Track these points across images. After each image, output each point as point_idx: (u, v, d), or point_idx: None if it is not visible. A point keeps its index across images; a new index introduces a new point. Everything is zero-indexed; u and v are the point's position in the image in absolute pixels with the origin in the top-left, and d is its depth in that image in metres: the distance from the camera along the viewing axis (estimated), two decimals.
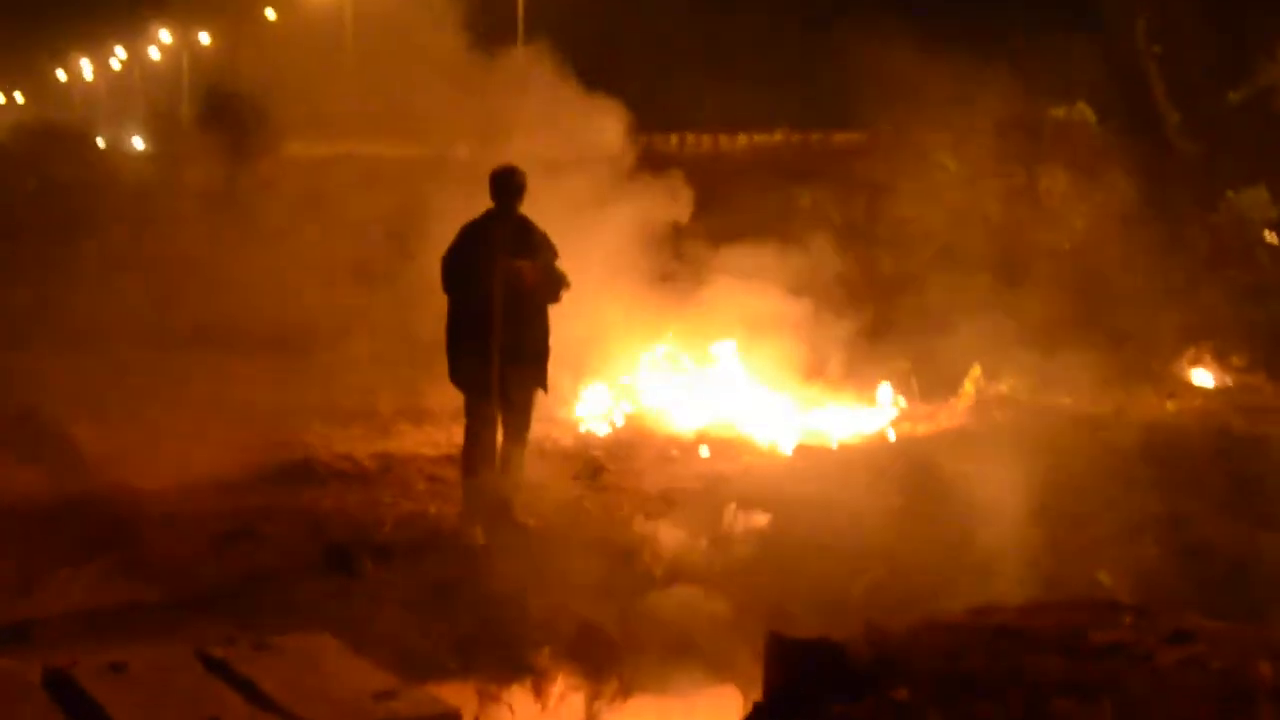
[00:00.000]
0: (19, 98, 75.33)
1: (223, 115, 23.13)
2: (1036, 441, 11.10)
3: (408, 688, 5.99)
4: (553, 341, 9.45)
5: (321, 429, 12.68)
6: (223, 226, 18.03)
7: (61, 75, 70.20)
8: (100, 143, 28.82)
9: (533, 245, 9.20)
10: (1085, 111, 23.22)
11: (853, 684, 5.89)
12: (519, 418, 9.30)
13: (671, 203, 13.80)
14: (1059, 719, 5.16)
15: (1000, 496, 9.93)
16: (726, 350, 13.02)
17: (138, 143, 31.09)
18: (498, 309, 8.95)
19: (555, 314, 11.10)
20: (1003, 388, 12.61)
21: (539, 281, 9.13)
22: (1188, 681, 5.33)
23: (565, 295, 9.33)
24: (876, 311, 14.98)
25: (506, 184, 9.21)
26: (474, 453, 9.21)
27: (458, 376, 9.24)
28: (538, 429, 12.26)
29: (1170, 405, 13.33)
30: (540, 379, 9.27)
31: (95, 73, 64.78)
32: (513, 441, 9.34)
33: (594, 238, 12.91)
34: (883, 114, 21.12)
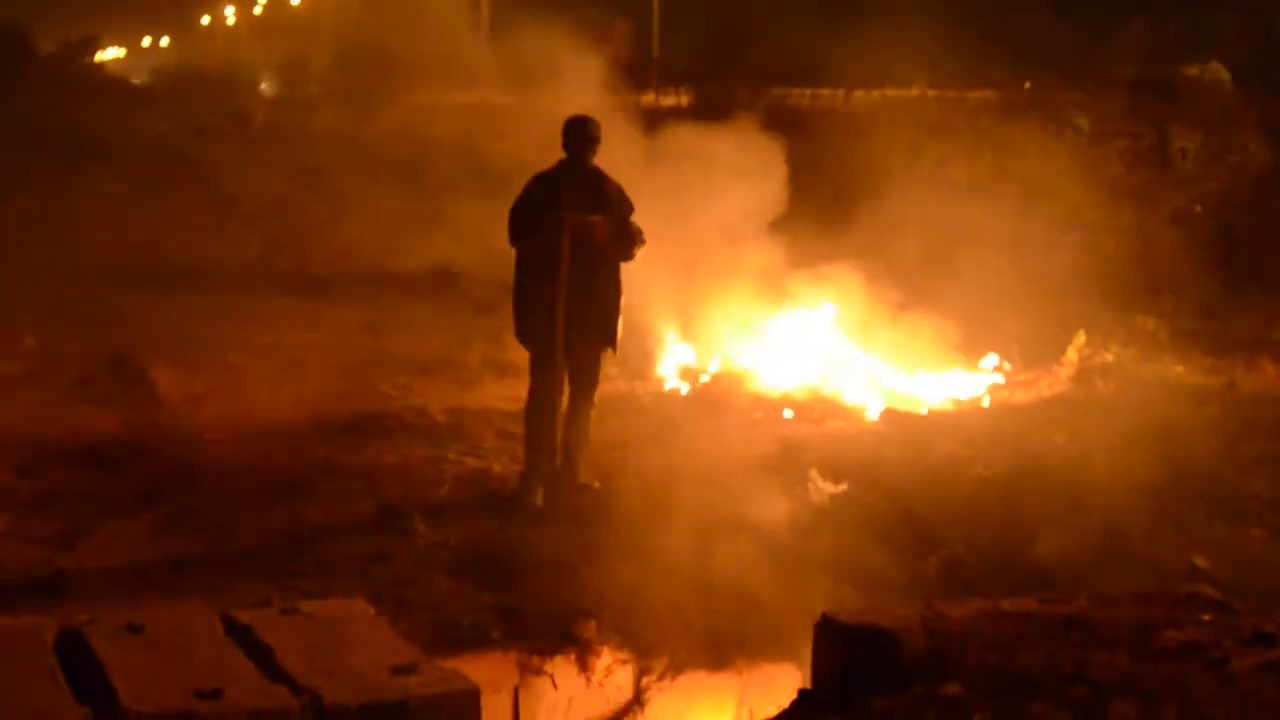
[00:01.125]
0: (164, 41, 76.57)
1: (354, 62, 23.19)
2: (1138, 413, 10.56)
3: (429, 662, 5.75)
4: (627, 299, 9.12)
5: (405, 379, 12.53)
6: (340, 173, 17.95)
7: (205, 20, 71.06)
8: (263, 87, 28.71)
9: (605, 199, 8.83)
10: (1219, 70, 22.45)
11: (904, 674, 5.51)
12: (585, 376, 8.98)
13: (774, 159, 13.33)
14: None
15: (1093, 471, 9.44)
16: (822, 311, 12.54)
17: (264, 88, 31.17)
18: (564, 264, 8.61)
19: (648, 270, 10.80)
20: (1108, 356, 11.99)
21: (610, 237, 8.76)
22: (1262, 690, 4.87)
23: (640, 252, 8.95)
24: (993, 273, 14.39)
25: (580, 134, 8.86)
26: (537, 411, 8.91)
27: (523, 332, 8.94)
28: (619, 387, 12.06)
29: None
30: (608, 338, 8.93)
31: (238, 16, 65.34)
32: (578, 401, 9.03)
33: (696, 193, 12.59)
34: (1019, 71, 20.64)
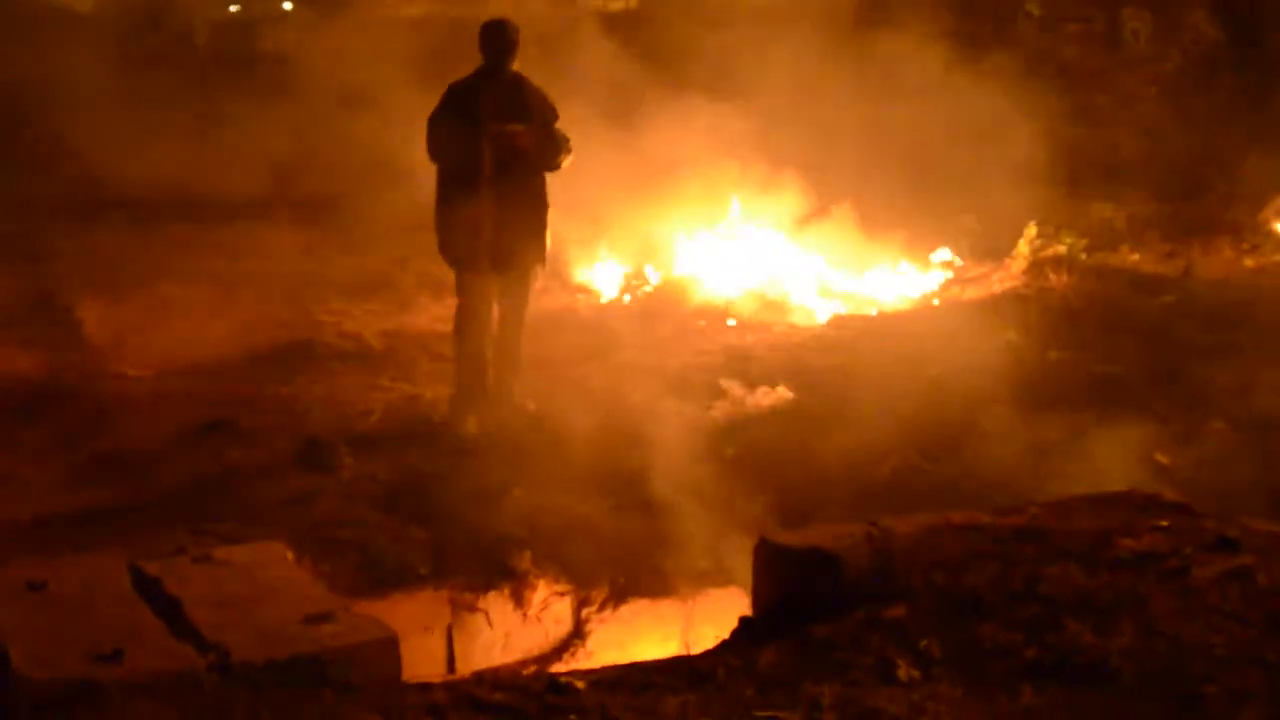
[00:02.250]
0: None
1: None
2: (1093, 305, 10.30)
3: (346, 609, 5.45)
4: (565, 209, 8.75)
5: (339, 304, 12.12)
6: (282, 94, 17.41)
7: None
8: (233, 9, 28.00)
9: (527, 107, 8.42)
10: None
11: (847, 597, 5.23)
12: (515, 294, 8.63)
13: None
14: (1068, 645, 4.47)
15: (1045, 368, 9.19)
16: (766, 214, 12.17)
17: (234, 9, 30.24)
18: (486, 176, 8.21)
19: (592, 175, 10.39)
20: (1060, 247, 11.68)
21: (533, 146, 8.35)
22: (1225, 602, 4.61)
23: (566, 161, 8.54)
24: (941, 165, 14.03)
25: (498, 37, 8.43)
26: (465, 333, 8.56)
27: (446, 250, 8.56)
28: (557, 300, 11.70)
29: (1249, 262, 12.34)
30: (538, 252, 8.54)
31: None
32: (509, 319, 8.67)
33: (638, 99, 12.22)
34: None
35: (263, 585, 5.72)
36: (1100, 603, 4.71)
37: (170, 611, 5.48)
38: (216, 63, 21.68)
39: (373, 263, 13.44)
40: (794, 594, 5.47)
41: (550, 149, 8.45)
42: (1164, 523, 5.37)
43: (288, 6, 25.67)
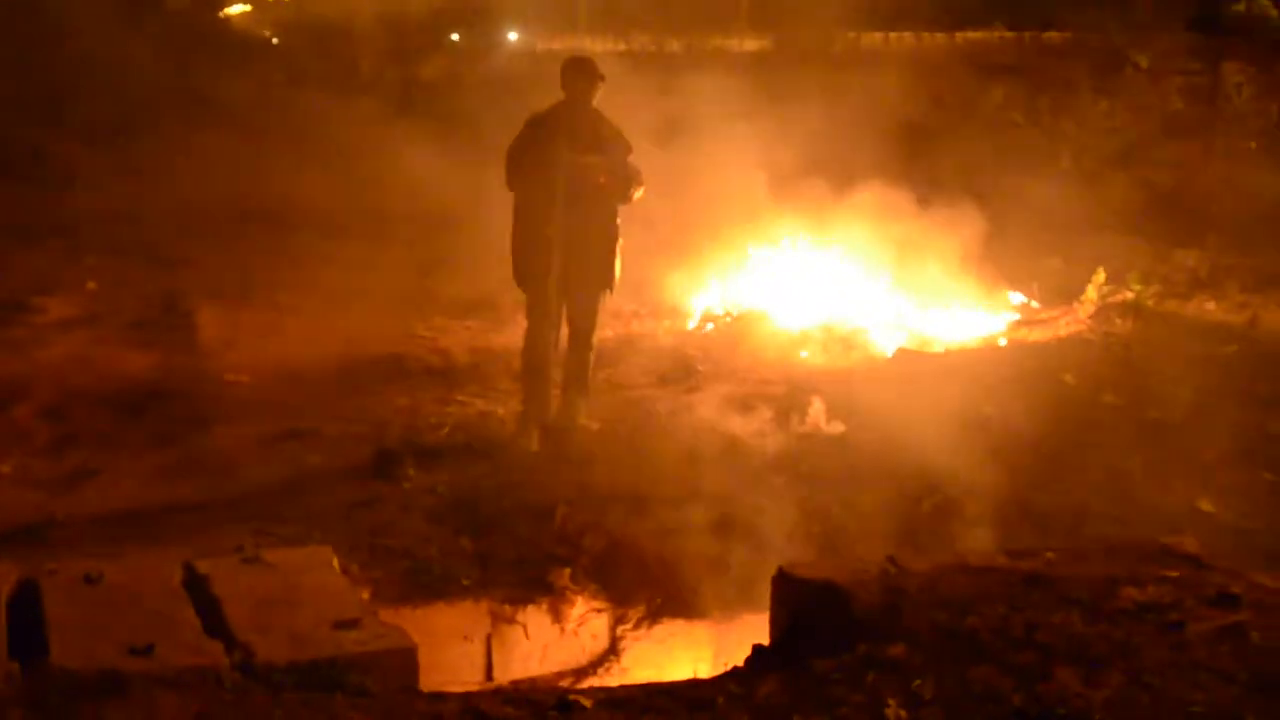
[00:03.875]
0: None
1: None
2: (1153, 352, 9.97)
3: (373, 618, 5.40)
4: (643, 241, 8.66)
5: (440, 320, 12.17)
6: (431, 117, 17.61)
7: None
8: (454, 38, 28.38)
9: (602, 140, 8.35)
10: (1265, 6, 21.58)
11: (855, 631, 5.09)
12: (582, 319, 8.56)
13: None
14: (1055, 694, 4.29)
15: (1102, 412, 8.90)
16: (849, 247, 11.97)
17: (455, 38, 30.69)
18: (559, 205, 8.15)
19: (678, 207, 10.24)
20: (1128, 293, 11.33)
21: (607, 178, 8.27)
22: (1215, 658, 4.39)
23: (637, 194, 8.45)
24: (1042, 208, 13.74)
25: (580, 73, 8.38)
26: (532, 355, 8.51)
27: (519, 275, 8.51)
28: (644, 326, 11.61)
29: None
30: (605, 279, 8.46)
31: None
32: (576, 343, 8.61)
33: (724, 130, 12.09)
34: (1088, 11, 20.00)
35: (303, 589, 5.69)
36: (1094, 653, 4.53)
37: (210, 609, 5.48)
38: (377, 89, 22.04)
39: (482, 282, 13.41)
40: (804, 626, 5.33)
41: (622, 182, 8.38)
42: (1172, 573, 5.16)
43: (455, 37, 26.01)
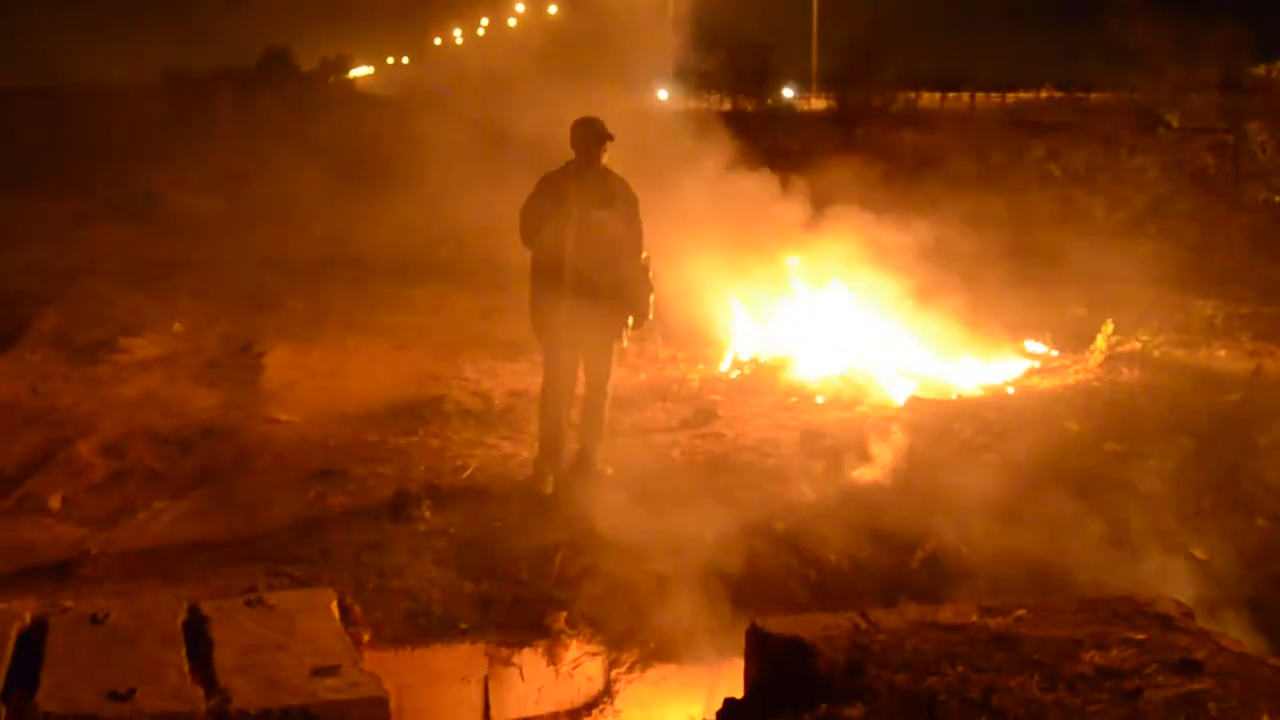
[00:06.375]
0: (405, 60, 77.87)
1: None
2: (1157, 400, 9.52)
3: (352, 665, 5.13)
4: (668, 287, 8.35)
5: (487, 363, 11.85)
6: (518, 170, 17.44)
7: (438, 41, 71.83)
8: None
9: (612, 196, 8.07)
10: None
11: (818, 689, 4.74)
12: (597, 368, 8.29)
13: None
14: None
15: (1100, 459, 8.47)
16: (872, 296, 11.56)
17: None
18: (571, 259, 7.87)
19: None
20: (1136, 343, 10.86)
21: (616, 232, 7.99)
22: None
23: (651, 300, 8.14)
24: (1071, 259, 13.32)
25: (589, 133, 8.11)
26: (546, 401, 8.26)
27: (535, 327, 8.25)
28: (676, 371, 11.28)
29: None
30: (616, 330, 8.18)
31: (464, 37, 65.72)
32: (592, 391, 8.34)
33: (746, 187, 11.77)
34: (1128, 72, 19.62)
35: (295, 633, 5.47)
36: None
37: (202, 652, 5.26)
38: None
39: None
40: (772, 681, 4.99)
41: (635, 236, 8.08)
42: (1139, 635, 4.77)
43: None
